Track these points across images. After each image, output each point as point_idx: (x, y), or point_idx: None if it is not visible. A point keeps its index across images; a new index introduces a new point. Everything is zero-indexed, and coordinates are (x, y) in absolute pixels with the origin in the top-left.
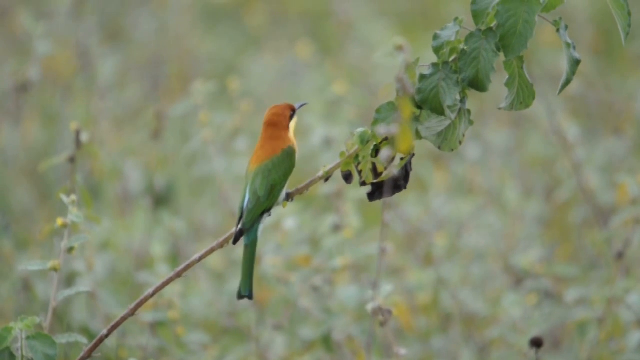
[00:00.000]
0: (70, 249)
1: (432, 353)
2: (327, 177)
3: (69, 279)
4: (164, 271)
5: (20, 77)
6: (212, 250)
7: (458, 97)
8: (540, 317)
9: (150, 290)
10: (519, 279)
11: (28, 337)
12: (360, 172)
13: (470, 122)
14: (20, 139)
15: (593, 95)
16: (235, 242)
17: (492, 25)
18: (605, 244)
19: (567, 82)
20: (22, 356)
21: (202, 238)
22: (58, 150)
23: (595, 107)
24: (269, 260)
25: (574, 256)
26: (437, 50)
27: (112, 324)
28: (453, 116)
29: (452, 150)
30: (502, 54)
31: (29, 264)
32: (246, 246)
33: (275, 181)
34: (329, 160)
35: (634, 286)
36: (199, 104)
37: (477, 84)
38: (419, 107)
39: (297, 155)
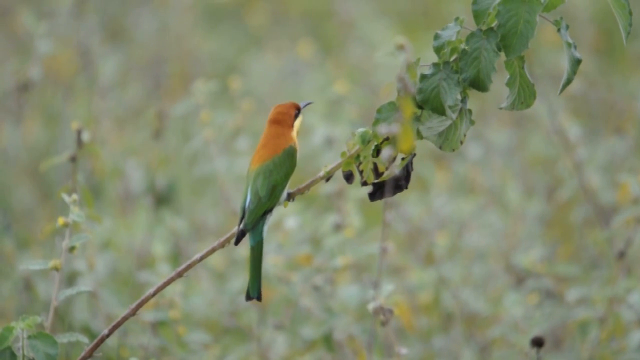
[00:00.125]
0: (71, 249)
1: (433, 352)
2: (328, 177)
3: (70, 279)
4: (165, 271)
5: (21, 76)
6: (213, 250)
7: (459, 97)
8: (541, 316)
9: (151, 290)
10: (520, 278)
11: (29, 337)
12: (361, 172)
13: (472, 122)
14: (21, 139)
15: (594, 94)
16: (237, 242)
17: (493, 25)
18: (606, 244)
19: (568, 81)
20: (24, 356)
21: (203, 238)
22: (59, 150)
23: (596, 106)
24: (270, 259)
25: (575, 256)
26: (438, 50)
27: (114, 323)
28: (454, 116)
29: (453, 150)
30: (503, 54)
31: (30, 264)
32: (252, 248)
33: (277, 181)
34: (331, 160)
35: (635, 286)
36: (200, 104)
37: (478, 84)
38: (420, 107)
39: (298, 155)
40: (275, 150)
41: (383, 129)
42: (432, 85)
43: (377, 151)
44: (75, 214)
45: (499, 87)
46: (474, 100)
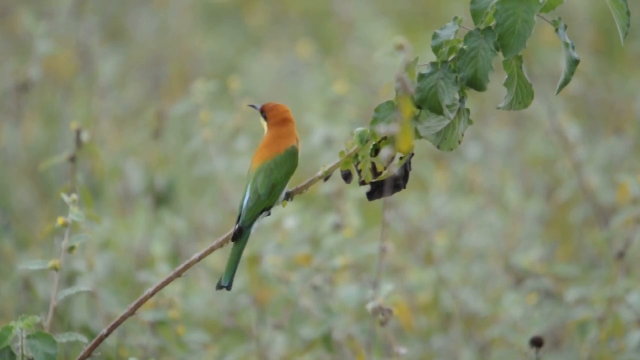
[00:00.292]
0: (70, 248)
1: (432, 352)
2: (326, 177)
3: (70, 278)
4: (164, 271)
5: (21, 76)
6: (211, 250)
7: (457, 97)
8: (540, 316)
9: (150, 290)
10: (519, 278)
11: (28, 336)
12: (359, 172)
13: (469, 122)
14: (20, 138)
15: (593, 94)
16: (234, 239)
17: (491, 24)
18: (605, 244)
19: (566, 81)
20: (23, 355)
21: (202, 237)
22: (59, 150)
23: (595, 106)
24: (269, 259)
25: (574, 256)
26: (436, 49)
27: (112, 323)
28: (452, 115)
29: (451, 149)
30: (500, 53)
31: (30, 263)
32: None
33: (277, 180)
34: (330, 160)
35: (635, 286)
36: (200, 104)
37: (476, 83)
38: (418, 106)
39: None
40: (278, 149)
41: (381, 129)
42: (430, 85)
43: (376, 150)
44: (75, 213)
45: (498, 87)
46: (473, 100)
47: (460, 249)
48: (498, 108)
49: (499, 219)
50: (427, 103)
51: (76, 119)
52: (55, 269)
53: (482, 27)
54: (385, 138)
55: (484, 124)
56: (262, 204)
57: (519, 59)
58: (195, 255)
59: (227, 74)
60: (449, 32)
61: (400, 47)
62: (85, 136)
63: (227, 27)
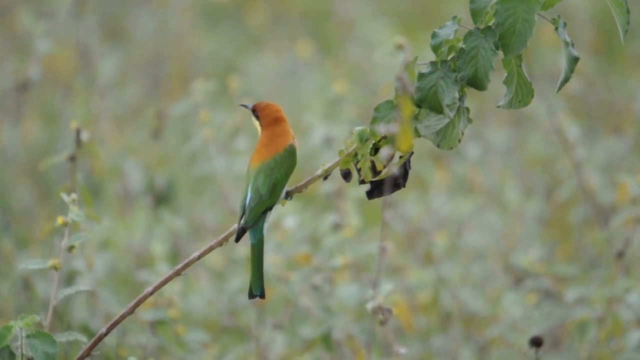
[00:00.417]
0: (70, 248)
1: (432, 352)
2: (326, 176)
3: (69, 278)
4: (164, 270)
5: (20, 76)
6: (211, 249)
7: (457, 96)
8: (540, 316)
9: (149, 289)
10: (519, 278)
11: (28, 336)
12: (359, 171)
13: (469, 121)
14: (20, 138)
15: (593, 94)
16: (237, 239)
17: (491, 23)
18: (605, 244)
19: (566, 79)
20: (22, 355)
21: (202, 237)
22: (58, 149)
23: (595, 106)
24: (269, 259)
25: (574, 255)
26: (435, 48)
27: (112, 322)
28: (452, 114)
29: (451, 148)
30: (500, 53)
31: (29, 263)
32: (253, 245)
33: (278, 179)
34: (330, 160)
35: (634, 285)
36: (199, 103)
37: (476, 83)
38: (418, 105)
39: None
40: (277, 148)
41: (381, 128)
42: (430, 84)
43: (375, 149)
44: (74, 213)
45: (498, 86)
46: (473, 99)
47: (460, 248)
48: (498, 106)
49: (499, 219)
50: (427, 102)
51: (76, 119)
52: (55, 268)
53: (482, 26)
54: (384, 137)
55: (484, 124)
56: (265, 204)
57: (519, 57)
58: (195, 254)
59: (227, 73)
60: (448, 32)
61: (399, 47)
62: (85, 136)
63: (227, 27)
